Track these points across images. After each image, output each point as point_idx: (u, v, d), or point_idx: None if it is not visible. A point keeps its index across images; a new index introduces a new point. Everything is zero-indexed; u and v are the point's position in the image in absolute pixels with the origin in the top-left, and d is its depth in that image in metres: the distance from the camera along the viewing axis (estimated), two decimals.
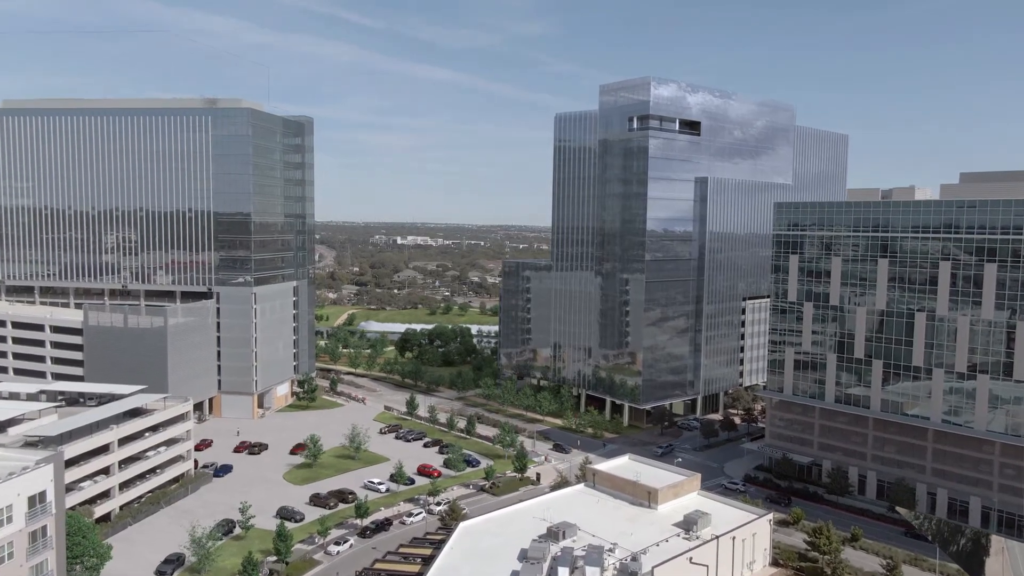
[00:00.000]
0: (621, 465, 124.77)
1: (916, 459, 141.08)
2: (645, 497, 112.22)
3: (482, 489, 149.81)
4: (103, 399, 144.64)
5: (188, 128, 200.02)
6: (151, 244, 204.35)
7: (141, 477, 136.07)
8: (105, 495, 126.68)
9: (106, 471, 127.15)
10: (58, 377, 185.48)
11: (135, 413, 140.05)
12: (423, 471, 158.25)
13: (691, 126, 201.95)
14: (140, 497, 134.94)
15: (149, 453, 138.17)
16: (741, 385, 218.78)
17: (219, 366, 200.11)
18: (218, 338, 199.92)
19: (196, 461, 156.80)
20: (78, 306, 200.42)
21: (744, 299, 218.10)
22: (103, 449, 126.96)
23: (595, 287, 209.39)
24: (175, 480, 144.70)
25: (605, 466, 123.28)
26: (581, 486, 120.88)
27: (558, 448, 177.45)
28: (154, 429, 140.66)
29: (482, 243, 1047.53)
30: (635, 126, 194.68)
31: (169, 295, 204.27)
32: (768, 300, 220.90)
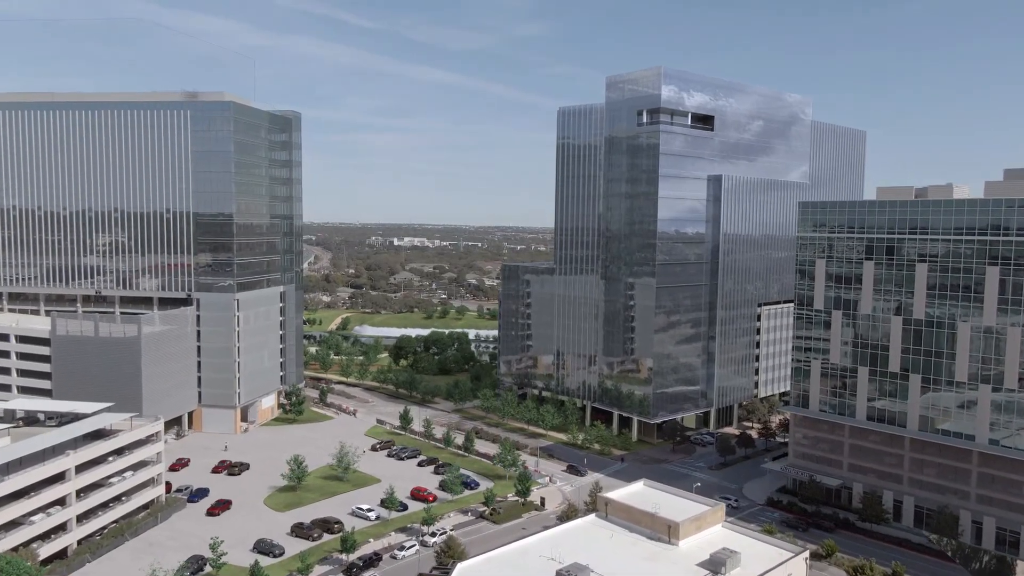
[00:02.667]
0: (636, 492, 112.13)
1: (959, 484, 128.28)
2: (665, 531, 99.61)
3: (481, 516, 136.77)
4: (64, 419, 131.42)
5: (166, 123, 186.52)
6: (127, 247, 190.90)
7: (104, 506, 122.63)
8: (61, 528, 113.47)
9: (62, 502, 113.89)
10: (25, 391, 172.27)
11: (98, 435, 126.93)
12: (417, 495, 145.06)
13: (703, 120, 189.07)
14: (103, 528, 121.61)
15: (113, 479, 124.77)
16: (756, 396, 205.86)
17: (199, 377, 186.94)
18: (198, 348, 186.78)
19: (169, 484, 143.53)
20: (49, 313, 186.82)
21: (759, 304, 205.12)
22: (59, 477, 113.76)
23: (601, 292, 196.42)
24: (144, 507, 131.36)
25: (618, 494, 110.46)
26: (592, 517, 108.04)
27: (572, 470, 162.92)
28: (119, 452, 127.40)
29: (480, 244, 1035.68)
30: (644, 120, 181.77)
31: (146, 302, 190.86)
32: (785, 306, 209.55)
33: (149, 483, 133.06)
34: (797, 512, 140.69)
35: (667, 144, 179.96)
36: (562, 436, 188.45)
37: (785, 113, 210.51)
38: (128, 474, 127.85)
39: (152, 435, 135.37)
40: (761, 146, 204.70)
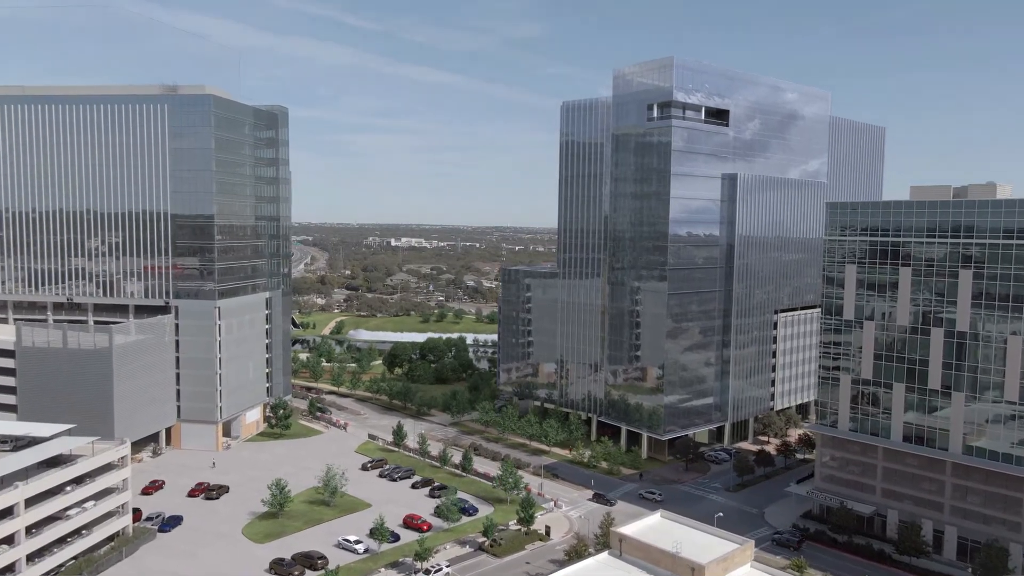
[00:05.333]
0: (653, 526, 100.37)
1: (1008, 514, 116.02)
2: (688, 574, 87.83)
3: (481, 548, 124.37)
4: (20, 443, 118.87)
5: (142, 118, 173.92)
6: (101, 251, 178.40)
7: (61, 542, 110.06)
8: (8, 570, 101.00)
9: (9, 540, 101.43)
10: None
11: (56, 461, 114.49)
12: (410, 523, 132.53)
13: (717, 115, 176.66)
14: (60, 567, 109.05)
15: (72, 511, 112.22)
16: (773, 409, 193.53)
17: (178, 391, 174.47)
18: (177, 359, 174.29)
19: (138, 512, 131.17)
20: (17, 322, 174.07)
21: (776, 311, 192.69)
22: (6, 512, 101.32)
23: (607, 298, 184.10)
24: (108, 540, 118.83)
25: (634, 529, 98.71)
26: (605, 555, 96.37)
27: (599, 499, 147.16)
28: (79, 481, 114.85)
29: (477, 245, 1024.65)
30: (655, 115, 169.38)
31: (122, 309, 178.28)
32: (804, 312, 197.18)
33: (114, 513, 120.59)
34: (827, 541, 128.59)
35: (679, 140, 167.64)
36: (566, 453, 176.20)
37: (803, 108, 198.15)
38: (89, 504, 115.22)
39: (118, 460, 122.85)
40: (778, 143, 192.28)
